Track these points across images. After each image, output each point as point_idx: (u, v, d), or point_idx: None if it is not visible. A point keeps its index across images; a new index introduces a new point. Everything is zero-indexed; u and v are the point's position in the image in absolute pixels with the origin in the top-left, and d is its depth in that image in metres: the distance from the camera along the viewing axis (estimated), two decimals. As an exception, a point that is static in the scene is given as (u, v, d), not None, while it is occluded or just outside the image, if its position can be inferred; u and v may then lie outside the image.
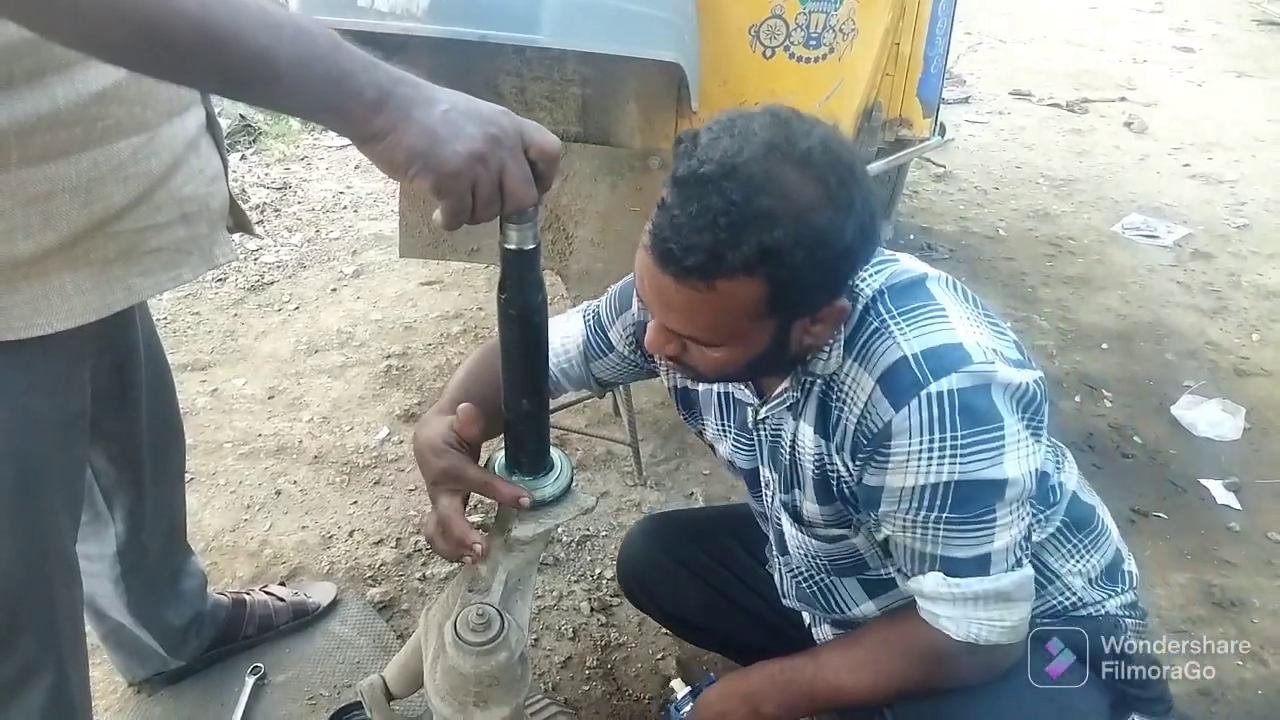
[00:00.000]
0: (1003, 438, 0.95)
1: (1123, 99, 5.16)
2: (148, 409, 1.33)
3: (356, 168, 4.04)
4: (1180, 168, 4.32)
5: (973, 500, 0.97)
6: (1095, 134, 4.71)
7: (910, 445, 0.96)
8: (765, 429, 1.16)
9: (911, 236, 3.56)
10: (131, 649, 1.57)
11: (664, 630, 1.83)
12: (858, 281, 1.03)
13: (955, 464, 0.95)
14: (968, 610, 1.02)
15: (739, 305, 0.91)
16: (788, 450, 1.13)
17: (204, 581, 1.63)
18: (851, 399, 1.02)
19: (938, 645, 1.04)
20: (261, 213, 3.56)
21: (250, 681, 1.65)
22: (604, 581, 1.94)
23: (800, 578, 1.27)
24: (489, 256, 1.94)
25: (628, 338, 1.26)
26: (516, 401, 0.97)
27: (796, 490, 1.15)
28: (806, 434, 1.09)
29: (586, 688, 1.72)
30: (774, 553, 1.31)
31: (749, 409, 1.16)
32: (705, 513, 1.62)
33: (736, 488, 2.21)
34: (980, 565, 1.00)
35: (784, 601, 1.34)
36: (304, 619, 1.78)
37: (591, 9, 1.53)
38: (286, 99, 0.73)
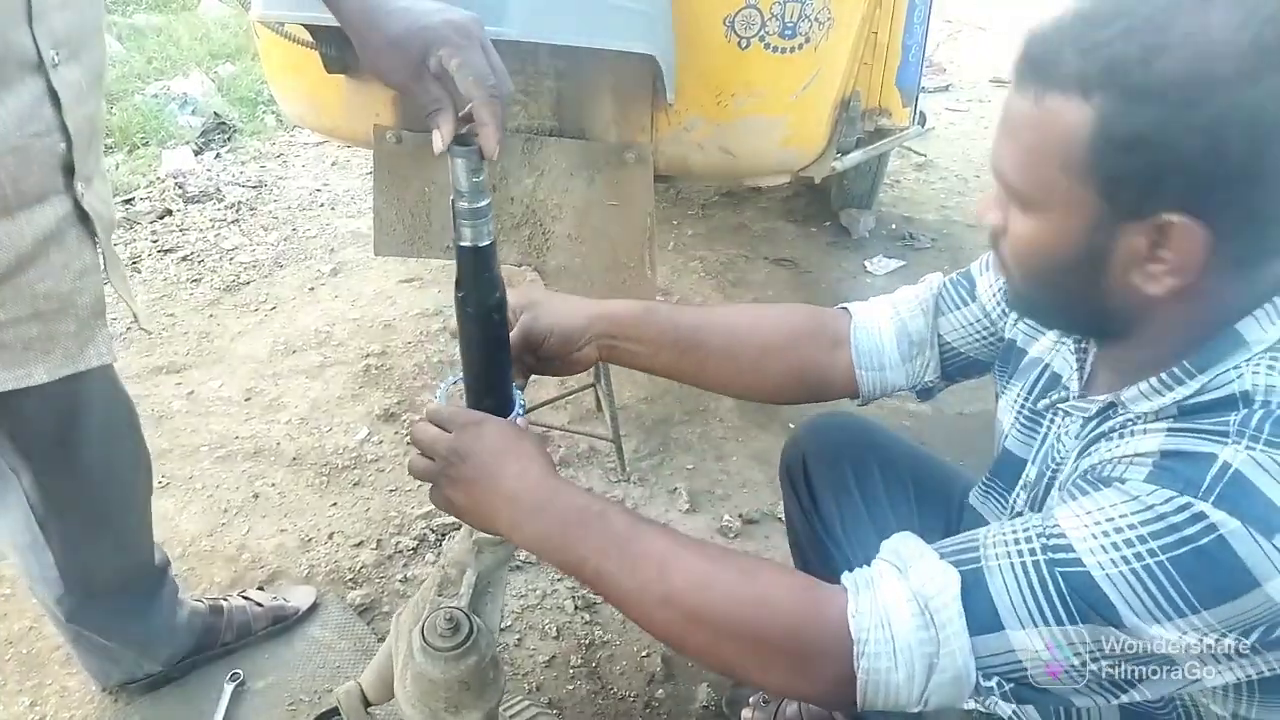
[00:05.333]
0: (1187, 610, 0.71)
1: (1102, 85, 5.17)
2: (90, 457, 1.29)
3: (333, 165, 4.01)
4: (1159, 153, 4.33)
5: (1077, 593, 0.73)
6: (1075, 121, 4.72)
7: (1112, 505, 0.74)
8: (1061, 422, 0.97)
9: (894, 226, 3.55)
10: (102, 653, 1.55)
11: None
12: (1261, 369, 0.76)
13: (1118, 565, 0.72)
14: (909, 609, 0.77)
15: (1058, 136, 0.73)
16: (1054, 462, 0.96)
17: (174, 591, 1.60)
18: (1121, 444, 0.81)
19: (815, 619, 0.79)
20: (237, 211, 3.52)
21: (229, 688, 1.62)
22: (587, 579, 1.92)
23: None
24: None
25: (999, 293, 1.09)
26: (478, 401, 0.95)
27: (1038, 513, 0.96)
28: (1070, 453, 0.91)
29: (571, 687, 1.71)
30: None
31: (1060, 390, 0.97)
32: (905, 444, 1.39)
33: (720, 482, 2.21)
34: (991, 618, 0.76)
35: None
36: (283, 624, 1.75)
37: (563, 0, 1.51)
38: None
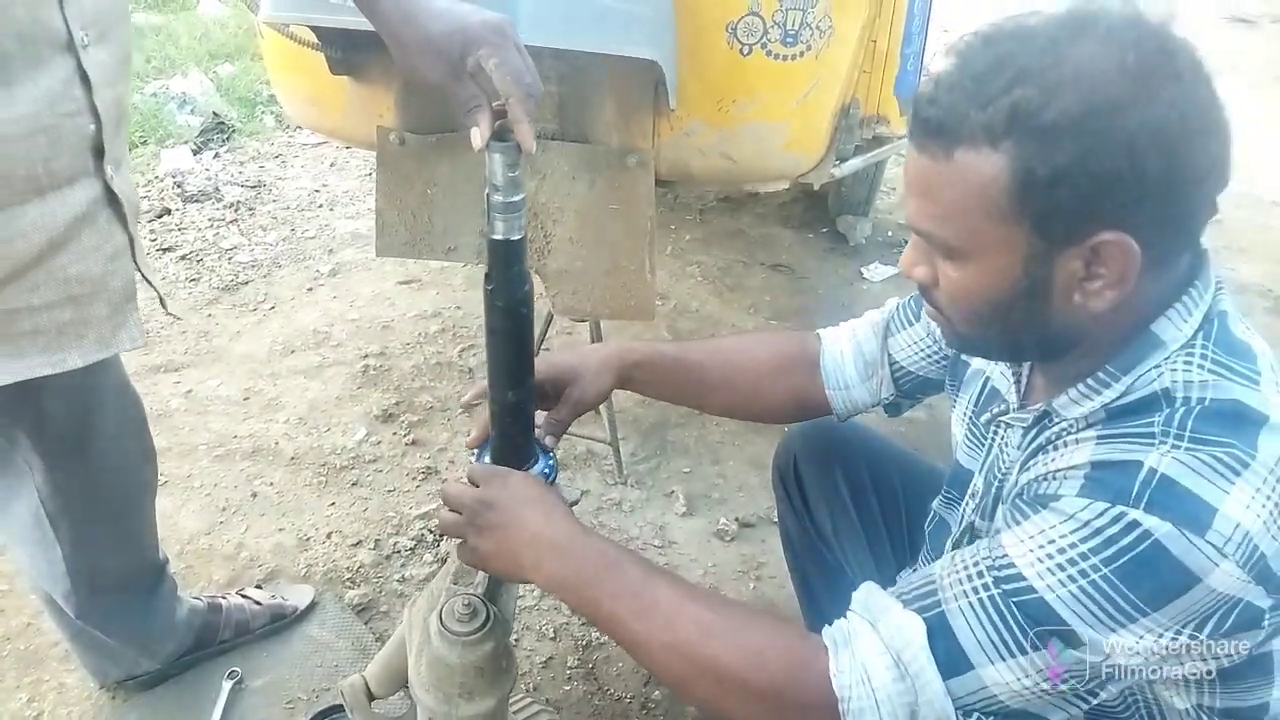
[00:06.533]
0: (1137, 614, 0.74)
1: (1097, 96, 5.20)
2: (102, 454, 1.30)
3: (332, 165, 4.01)
4: (1153, 164, 4.36)
5: (1034, 620, 0.77)
6: (1070, 131, 4.74)
7: (1051, 526, 0.77)
8: (1004, 434, 1.00)
9: (890, 233, 3.57)
10: (102, 650, 1.55)
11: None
12: (1179, 366, 0.80)
13: (1065, 585, 0.75)
14: (883, 663, 0.80)
15: (976, 187, 0.76)
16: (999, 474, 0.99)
17: (174, 588, 1.61)
18: (1056, 457, 0.85)
19: (802, 678, 0.82)
20: (236, 211, 3.52)
21: (227, 686, 1.63)
22: (584, 581, 1.93)
23: None
24: (466, 255, 1.92)
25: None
26: (501, 393, 0.98)
27: (988, 522, 0.99)
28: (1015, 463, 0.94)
29: (568, 687, 1.71)
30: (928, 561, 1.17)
31: (999, 404, 1.00)
32: (893, 447, 1.43)
33: (717, 485, 2.22)
34: (960, 659, 0.79)
35: None
36: (281, 622, 1.75)
37: (567, 5, 1.52)
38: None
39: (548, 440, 1.10)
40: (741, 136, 1.78)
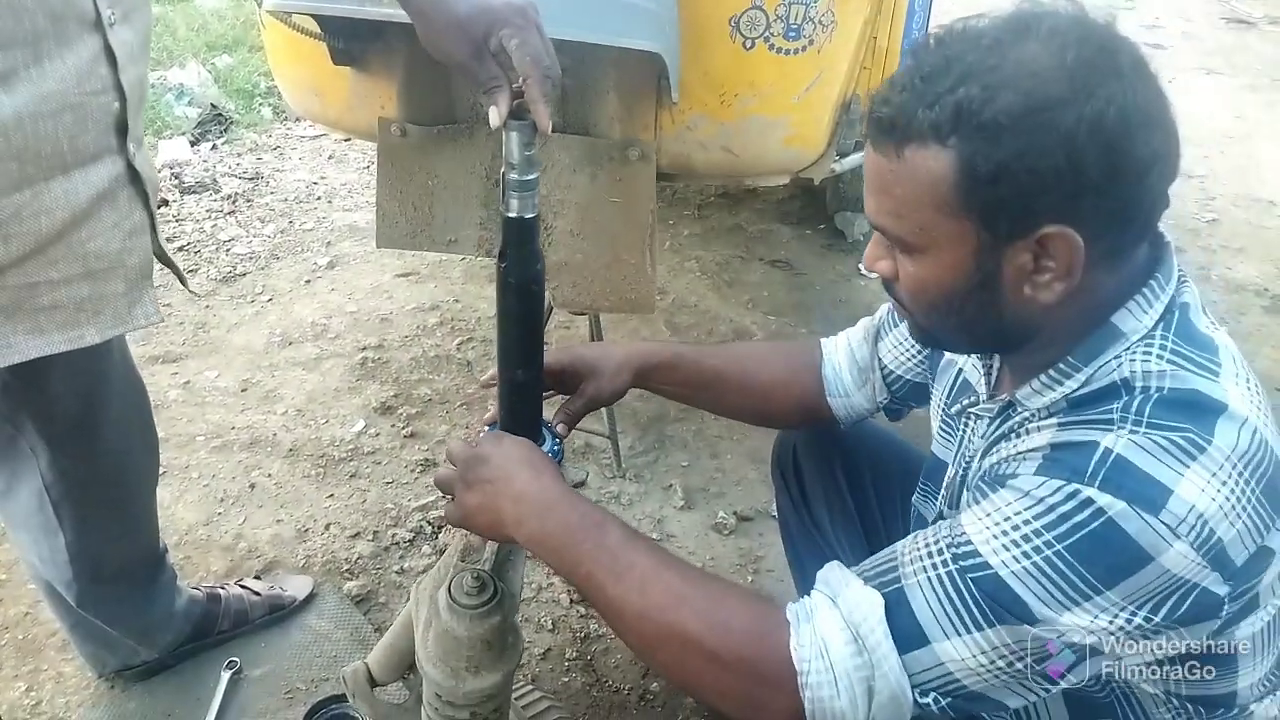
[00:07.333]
0: (1091, 592, 0.75)
1: (1094, 95, 5.21)
2: (108, 440, 1.30)
3: (330, 158, 4.00)
4: (1150, 163, 4.36)
5: (990, 595, 0.78)
6: (1068, 129, 4.75)
7: (1007, 504, 0.79)
8: (972, 425, 1.02)
9: (887, 230, 3.58)
10: (101, 639, 1.55)
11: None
12: (1138, 356, 0.82)
13: (1020, 561, 0.76)
14: (842, 637, 0.81)
15: (926, 183, 0.78)
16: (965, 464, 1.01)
17: (173, 577, 1.61)
18: (1017, 443, 0.87)
19: (764, 649, 0.82)
20: (233, 203, 3.52)
21: (226, 676, 1.63)
22: (583, 573, 1.93)
23: None
24: (467, 247, 1.92)
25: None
26: (511, 371, 0.99)
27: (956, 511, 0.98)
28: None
29: (566, 679, 1.72)
30: None
31: (971, 395, 1.02)
32: (892, 439, 1.43)
33: (715, 479, 2.22)
34: (916, 634, 0.80)
35: None
36: (280, 613, 1.75)
37: (571, -3, 1.52)
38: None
39: (559, 428, 1.11)
40: (743, 130, 1.78)
